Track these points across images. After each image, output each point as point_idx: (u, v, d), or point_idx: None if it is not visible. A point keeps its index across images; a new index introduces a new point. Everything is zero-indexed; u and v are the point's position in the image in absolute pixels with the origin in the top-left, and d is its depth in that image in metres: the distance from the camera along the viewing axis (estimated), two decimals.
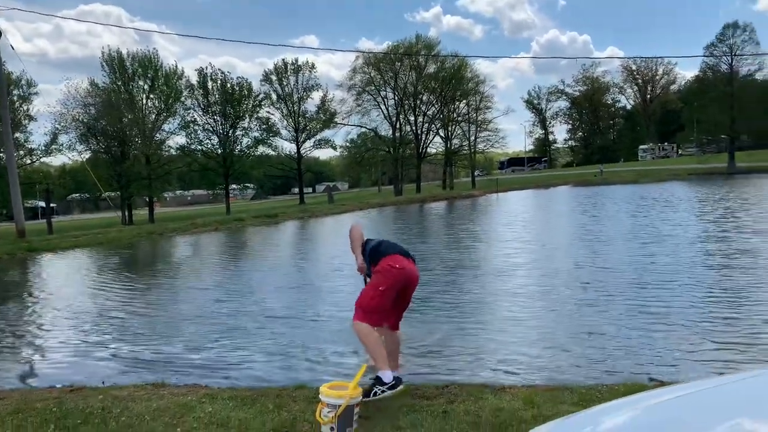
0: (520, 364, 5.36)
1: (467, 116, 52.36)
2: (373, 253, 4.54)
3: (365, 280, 4.78)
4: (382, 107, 51.33)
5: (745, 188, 27.89)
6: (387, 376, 4.20)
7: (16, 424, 3.83)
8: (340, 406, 3.42)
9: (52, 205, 34.55)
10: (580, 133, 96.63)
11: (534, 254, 12.08)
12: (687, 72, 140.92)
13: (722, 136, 54.78)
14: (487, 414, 3.76)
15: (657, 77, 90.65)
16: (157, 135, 39.75)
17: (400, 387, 4.25)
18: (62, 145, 35.26)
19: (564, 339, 6.05)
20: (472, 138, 52.63)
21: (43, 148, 34.54)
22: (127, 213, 37.23)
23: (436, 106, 52.07)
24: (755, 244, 11.35)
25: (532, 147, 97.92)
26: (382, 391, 4.17)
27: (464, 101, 52.23)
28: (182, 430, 3.59)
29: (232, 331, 7.15)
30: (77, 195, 50.16)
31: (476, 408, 3.88)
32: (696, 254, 10.75)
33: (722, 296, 7.48)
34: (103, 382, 5.19)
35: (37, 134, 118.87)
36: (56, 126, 34.76)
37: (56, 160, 50.90)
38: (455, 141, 53.44)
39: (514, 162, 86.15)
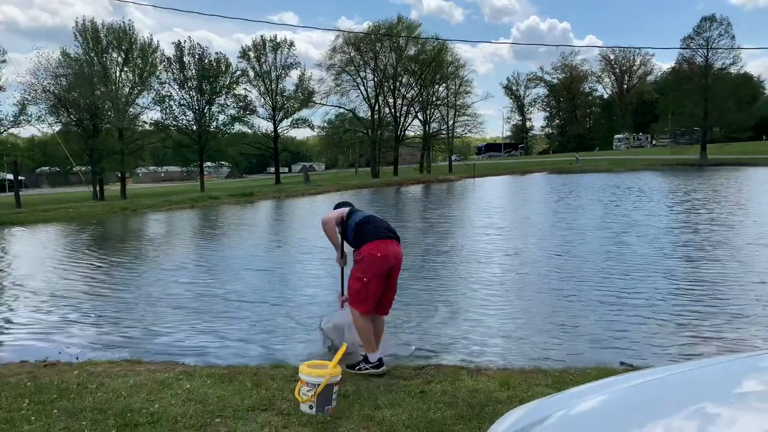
0: (494, 348, 5.45)
1: (446, 100, 52.33)
2: (357, 232, 4.48)
3: (342, 271, 4.99)
4: (362, 88, 50.97)
5: (716, 180, 28.50)
6: (373, 356, 4.32)
7: None
8: (319, 384, 3.44)
9: (20, 178, 33.71)
10: (557, 121, 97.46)
11: (508, 241, 12.21)
12: (664, 63, 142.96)
13: (695, 128, 55.79)
14: (464, 394, 3.83)
15: (634, 67, 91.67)
16: (131, 109, 38.89)
17: (383, 368, 4.32)
18: (31, 116, 34.19)
19: (537, 325, 6.16)
20: (451, 122, 52.69)
21: (11, 119, 33.49)
22: (98, 188, 36.50)
23: (416, 88, 51.89)
24: (726, 235, 11.64)
25: (509, 133, 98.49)
26: (366, 369, 4.25)
27: (444, 85, 52.15)
28: (160, 407, 3.58)
29: (206, 310, 7.11)
30: (46, 168, 48.96)
31: (453, 389, 3.95)
32: (668, 245, 10.99)
33: (692, 287, 7.67)
34: (77, 358, 5.14)
35: (5, 104, 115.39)
36: (25, 96, 33.71)
37: (25, 132, 49.61)
38: (434, 125, 53.43)
39: (492, 147, 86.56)
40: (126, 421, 3.36)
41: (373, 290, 4.34)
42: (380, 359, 4.36)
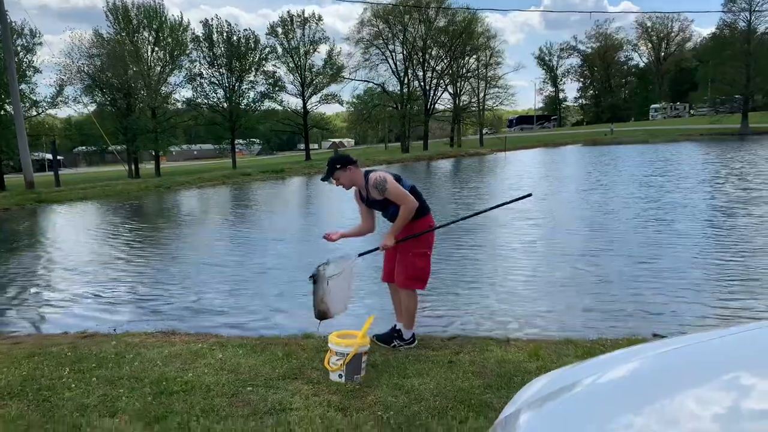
0: (525, 319, 5.43)
1: (477, 72, 51.59)
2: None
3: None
4: (390, 62, 50.54)
5: (760, 151, 27.53)
6: (408, 333, 4.28)
7: (32, 367, 3.92)
8: (348, 354, 3.48)
9: (59, 157, 34.55)
10: (591, 92, 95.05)
11: (541, 218, 12.05)
12: (703, 29, 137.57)
13: (736, 96, 53.81)
14: (492, 365, 3.83)
15: (672, 34, 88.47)
16: (163, 88, 39.36)
17: (415, 343, 4.32)
18: (68, 97, 34.95)
19: (569, 295, 6.10)
20: (481, 95, 51.96)
21: (49, 99, 34.20)
22: (133, 167, 37.24)
23: (445, 61, 51.20)
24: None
25: (541, 105, 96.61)
26: (401, 345, 4.24)
27: (474, 56, 51.34)
28: (194, 375, 3.67)
29: (241, 283, 7.23)
30: (83, 148, 50.03)
31: (481, 359, 3.95)
32: (708, 221, 10.72)
33: (732, 260, 7.49)
34: (114, 329, 5.29)
35: (42, 86, 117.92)
36: (61, 77, 34.43)
37: (61, 113, 50.71)
38: (464, 98, 52.82)
39: (523, 120, 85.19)
40: (161, 389, 3.46)
41: (429, 266, 4.22)
42: (413, 335, 4.35)
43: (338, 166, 4.09)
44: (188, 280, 7.42)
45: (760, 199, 12.00)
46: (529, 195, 4.40)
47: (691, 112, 74.99)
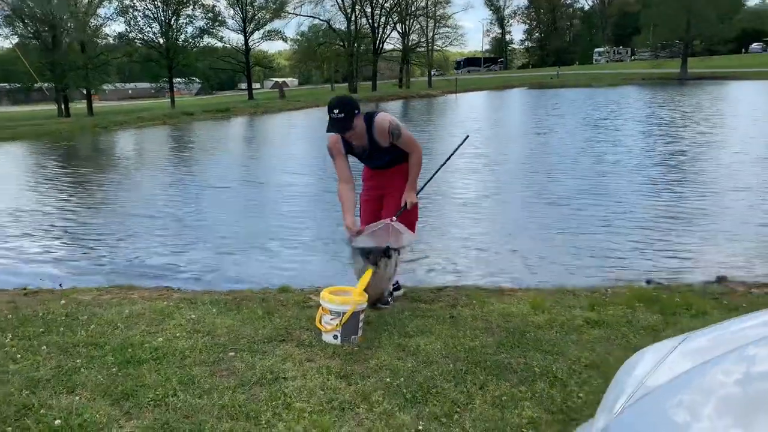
0: (499, 266, 5.17)
1: (426, 10, 50.21)
2: None
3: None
4: None
5: (698, 95, 28.12)
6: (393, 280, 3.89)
7: None
8: (345, 313, 3.07)
9: None
10: (537, 34, 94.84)
11: (497, 164, 11.82)
12: None
13: (676, 41, 54.71)
14: (497, 319, 3.51)
15: None
16: (92, 21, 36.44)
17: (401, 291, 3.97)
18: None
19: (537, 241, 5.88)
20: (431, 34, 50.83)
21: None
22: (63, 105, 34.72)
23: None
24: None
25: (488, 47, 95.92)
26: (391, 295, 3.84)
27: None
28: (164, 340, 3.18)
29: (194, 230, 6.67)
30: (6, 85, 46.31)
31: (483, 313, 3.62)
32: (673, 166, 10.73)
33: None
34: (60, 285, 4.70)
35: None
36: None
37: None
38: (413, 37, 51.49)
39: (471, 62, 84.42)
40: (127, 358, 2.96)
41: None
42: (397, 281, 3.99)
43: (357, 112, 3.35)
44: (139, 228, 6.79)
45: (720, 143, 12.14)
46: (467, 137, 3.97)
47: (633, 57, 76.11)
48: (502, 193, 8.53)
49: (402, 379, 2.72)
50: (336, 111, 3.31)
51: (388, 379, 2.72)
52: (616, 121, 17.38)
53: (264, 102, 31.33)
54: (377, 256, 3.43)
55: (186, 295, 4.18)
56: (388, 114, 3.56)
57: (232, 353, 3.03)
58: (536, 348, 3.07)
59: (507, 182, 9.20)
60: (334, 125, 3.36)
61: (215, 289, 4.48)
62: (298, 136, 17.98)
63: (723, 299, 4.04)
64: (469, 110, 26.21)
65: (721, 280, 4.64)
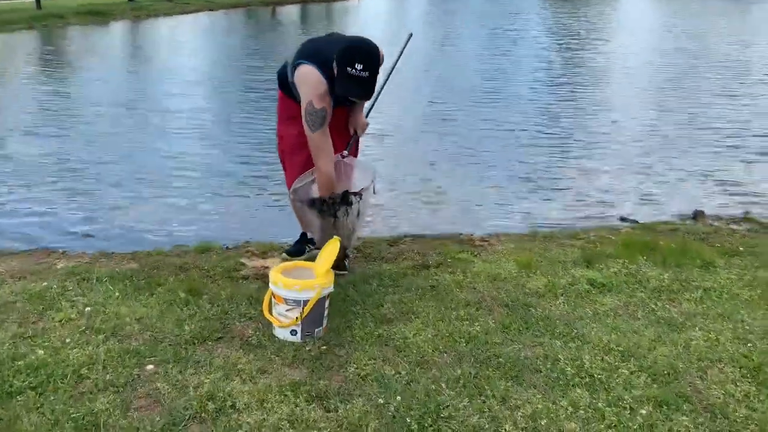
0: (439, 209, 4.54)
1: None
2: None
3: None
4: None
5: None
6: None
7: None
8: (307, 301, 2.26)
9: None
10: None
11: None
12: None
13: None
14: (488, 288, 2.84)
15: None
16: None
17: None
18: None
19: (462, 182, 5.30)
20: None
21: None
22: None
23: None
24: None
25: None
26: (347, 257, 3.02)
27: None
28: (46, 350, 2.23)
29: (63, 173, 5.43)
30: None
31: (468, 280, 2.93)
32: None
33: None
34: None
35: None
36: None
37: None
38: None
39: None
40: None
41: None
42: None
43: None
44: None
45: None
46: (411, 35, 3.21)
47: None
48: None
49: (398, 397, 2.00)
50: (368, 71, 2.45)
51: (380, 400, 1.98)
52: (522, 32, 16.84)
53: (147, 4, 27.82)
54: (333, 207, 2.64)
55: (73, 263, 3.15)
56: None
57: (151, 366, 2.16)
58: (550, 331, 2.44)
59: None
60: (360, 87, 2.49)
61: (112, 250, 3.47)
62: (197, 47, 16.04)
63: (713, 242, 3.63)
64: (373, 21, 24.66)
65: (697, 215, 4.27)
